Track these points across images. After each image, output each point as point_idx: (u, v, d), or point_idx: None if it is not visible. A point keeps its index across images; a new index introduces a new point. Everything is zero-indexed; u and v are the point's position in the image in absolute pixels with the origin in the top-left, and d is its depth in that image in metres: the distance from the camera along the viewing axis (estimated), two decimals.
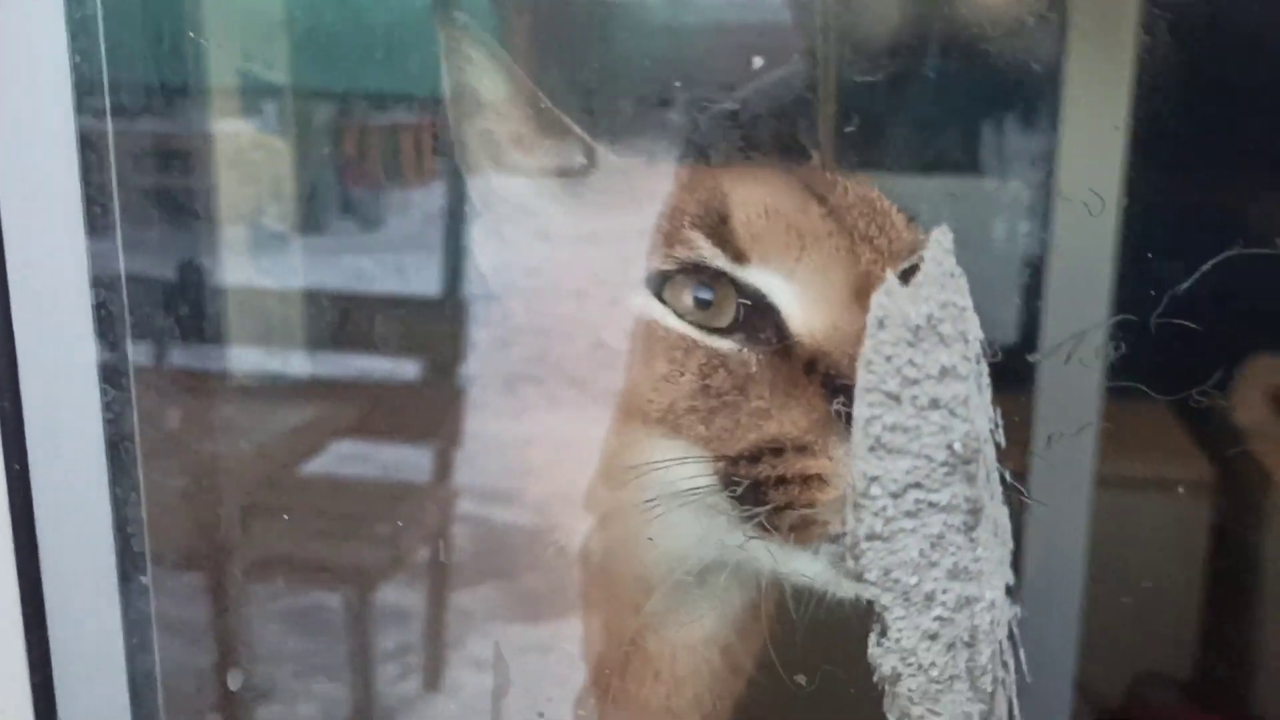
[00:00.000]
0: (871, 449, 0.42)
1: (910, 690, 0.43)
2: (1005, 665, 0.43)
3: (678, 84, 0.63)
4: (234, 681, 0.62)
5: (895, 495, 0.42)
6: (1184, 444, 0.94)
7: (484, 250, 0.65)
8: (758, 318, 0.51)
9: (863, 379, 0.42)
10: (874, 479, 0.42)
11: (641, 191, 0.62)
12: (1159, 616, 0.96)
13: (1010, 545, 0.43)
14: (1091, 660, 0.89)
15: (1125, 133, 0.78)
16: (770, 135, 0.66)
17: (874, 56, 0.81)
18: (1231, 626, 0.94)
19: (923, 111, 0.82)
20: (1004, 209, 0.92)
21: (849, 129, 0.79)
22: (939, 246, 0.41)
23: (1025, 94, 0.83)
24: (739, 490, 0.49)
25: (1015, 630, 0.43)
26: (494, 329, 1.12)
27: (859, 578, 0.43)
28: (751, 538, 0.50)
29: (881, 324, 0.41)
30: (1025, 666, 0.43)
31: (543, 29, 0.75)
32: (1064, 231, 0.80)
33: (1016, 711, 0.43)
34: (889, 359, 0.41)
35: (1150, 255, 0.69)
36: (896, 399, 0.42)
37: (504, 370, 1.07)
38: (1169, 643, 0.97)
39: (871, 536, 0.42)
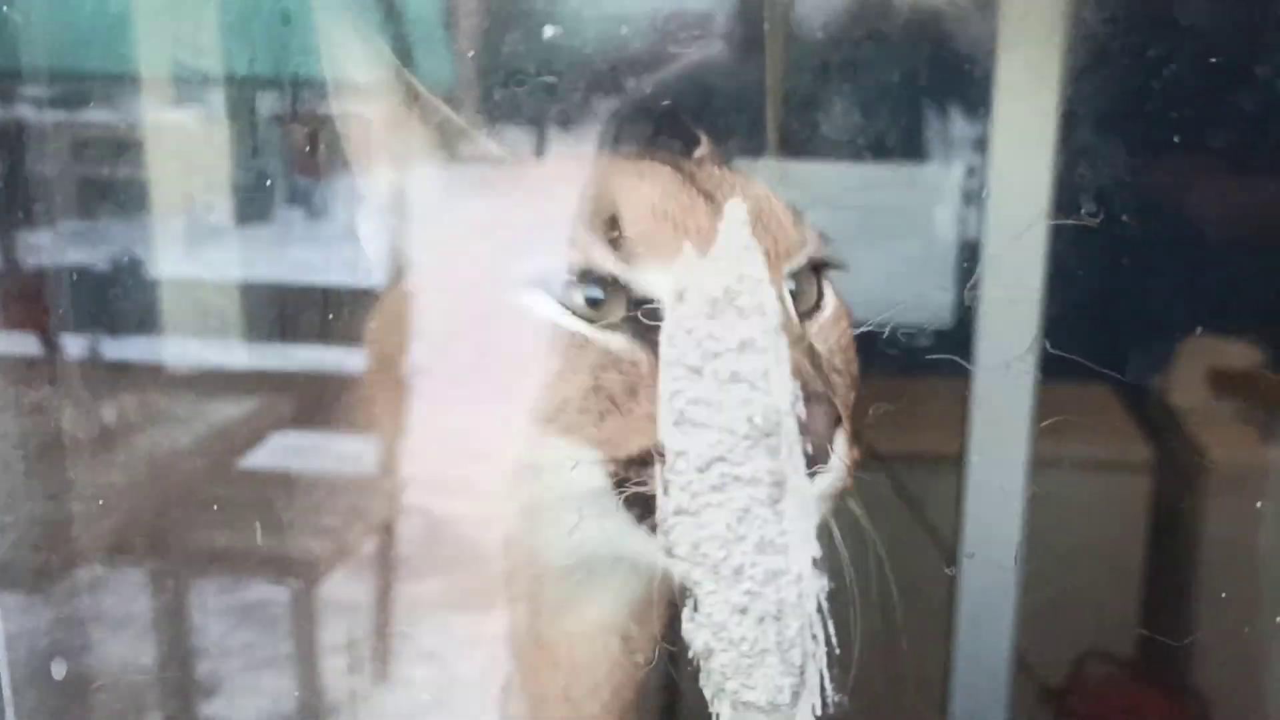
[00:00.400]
0: (676, 423, 0.42)
1: (723, 665, 0.43)
2: (815, 638, 0.43)
3: (570, 69, 0.63)
4: (58, 670, 0.63)
5: (700, 469, 0.42)
6: (1124, 424, 0.94)
7: (370, 239, 0.65)
8: (648, 318, 0.51)
9: (665, 353, 0.42)
10: (680, 453, 0.42)
11: (526, 184, 0.62)
12: (1098, 593, 0.96)
13: (815, 518, 0.43)
14: (1031, 637, 0.90)
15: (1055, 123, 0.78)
16: (660, 122, 0.66)
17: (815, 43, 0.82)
18: (1170, 602, 0.94)
19: (859, 96, 0.82)
20: (934, 193, 0.92)
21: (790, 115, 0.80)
22: (734, 220, 0.41)
23: (959, 79, 0.83)
24: (627, 492, 0.49)
25: (823, 603, 0.43)
26: (436, 319, 1.12)
27: (669, 553, 0.43)
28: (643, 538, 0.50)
29: (680, 297, 0.42)
30: (834, 639, 0.43)
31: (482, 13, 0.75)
32: (996, 211, 0.80)
33: (827, 684, 0.43)
34: (689, 332, 0.42)
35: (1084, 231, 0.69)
36: (698, 372, 0.42)
37: (448, 360, 1.07)
38: (1108, 619, 0.97)
39: (679, 511, 0.43)
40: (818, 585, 0.43)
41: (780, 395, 0.42)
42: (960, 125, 0.90)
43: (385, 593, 1.10)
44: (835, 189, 0.77)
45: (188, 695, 1.01)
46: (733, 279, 0.41)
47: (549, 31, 0.51)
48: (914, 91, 0.87)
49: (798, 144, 0.82)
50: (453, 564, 0.72)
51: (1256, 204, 0.83)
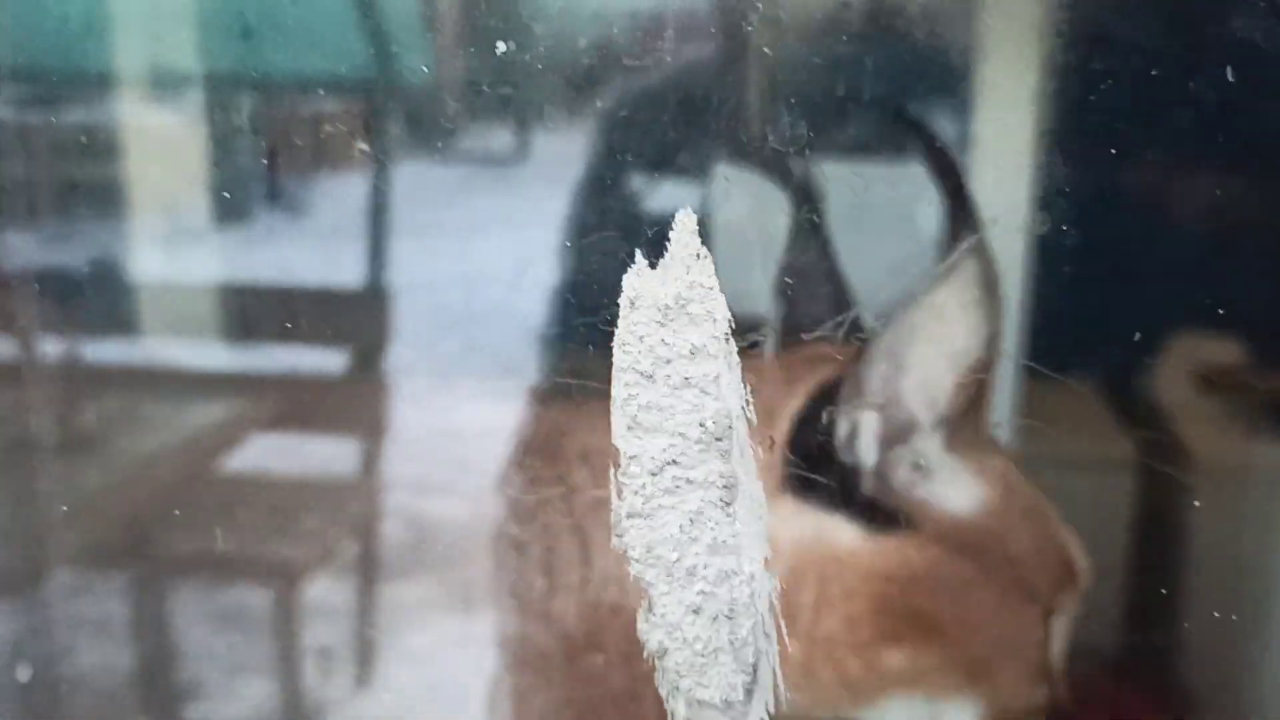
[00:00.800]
0: (629, 428, 0.43)
1: (678, 664, 0.44)
2: (767, 636, 0.44)
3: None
4: (23, 673, 0.63)
5: (654, 473, 0.43)
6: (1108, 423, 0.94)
7: None
8: None
9: (618, 359, 0.43)
10: (633, 458, 0.43)
11: None
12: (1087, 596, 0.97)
13: (766, 519, 0.44)
14: None
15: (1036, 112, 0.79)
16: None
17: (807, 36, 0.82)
18: (1158, 606, 0.94)
19: (851, 91, 0.83)
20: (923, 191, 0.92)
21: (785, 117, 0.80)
22: (683, 229, 0.42)
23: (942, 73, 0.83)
24: None
25: (775, 603, 0.44)
26: (427, 319, 1.12)
27: (624, 556, 0.44)
28: None
29: (633, 304, 0.43)
30: (786, 638, 0.44)
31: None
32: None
33: (780, 681, 0.44)
34: (641, 339, 0.43)
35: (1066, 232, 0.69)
36: (650, 378, 0.43)
37: (437, 361, 1.07)
38: (1096, 623, 0.98)
39: (633, 514, 0.43)
40: (770, 585, 0.44)
41: (731, 400, 0.42)
42: (944, 125, 0.91)
43: (371, 595, 1.11)
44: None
45: (168, 701, 1.02)
46: (684, 286, 0.42)
47: (501, 47, 0.51)
48: (897, 91, 0.87)
49: (781, 144, 0.83)
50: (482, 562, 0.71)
51: (1239, 203, 0.84)
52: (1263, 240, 0.81)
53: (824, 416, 0.50)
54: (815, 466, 0.51)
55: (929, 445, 0.50)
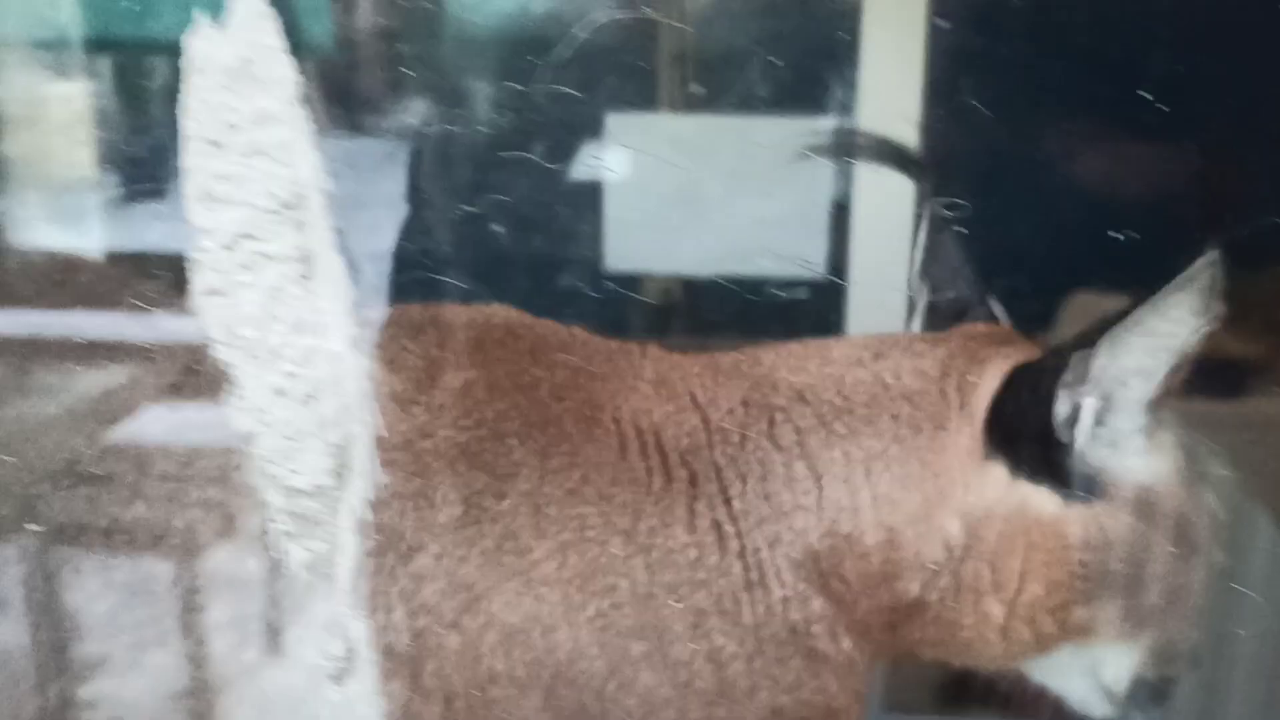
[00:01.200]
0: (200, 200, 0.41)
1: (267, 449, 0.42)
2: (357, 419, 0.42)
3: None
4: None
5: (228, 247, 0.41)
6: None
7: None
8: None
9: (186, 128, 0.41)
10: (206, 231, 0.41)
11: None
12: None
13: (351, 296, 0.42)
14: None
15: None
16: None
17: None
18: None
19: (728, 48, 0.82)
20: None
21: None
22: None
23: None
24: None
25: (369, 385, 0.42)
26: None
27: (205, 336, 0.42)
28: None
29: (198, 69, 0.41)
30: (382, 421, 0.42)
31: None
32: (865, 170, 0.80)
33: (374, 465, 0.42)
34: (208, 104, 0.41)
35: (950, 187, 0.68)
36: (219, 146, 0.41)
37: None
38: None
39: (211, 292, 0.42)
40: (358, 365, 0.42)
41: (303, 168, 0.41)
42: (833, 81, 0.90)
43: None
44: (710, 142, 0.77)
45: (69, 676, 1.00)
46: (246, 47, 0.40)
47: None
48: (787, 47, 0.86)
49: (682, 99, 0.82)
50: None
51: (1127, 161, 0.82)
52: (1159, 195, 0.80)
53: (1031, 395, 0.53)
54: (1016, 441, 0.53)
55: (1127, 423, 0.53)
